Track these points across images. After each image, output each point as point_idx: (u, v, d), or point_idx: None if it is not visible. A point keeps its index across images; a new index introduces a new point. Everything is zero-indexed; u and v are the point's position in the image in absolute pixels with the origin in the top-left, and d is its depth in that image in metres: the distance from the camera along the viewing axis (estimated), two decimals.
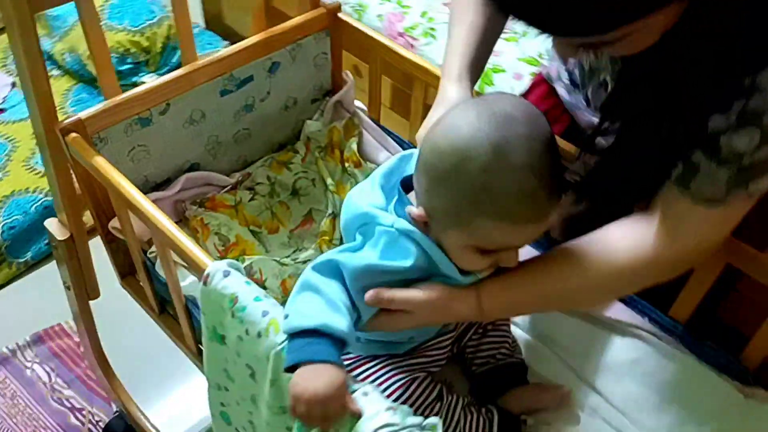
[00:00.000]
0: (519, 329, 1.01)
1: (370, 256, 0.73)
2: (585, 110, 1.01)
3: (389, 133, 1.24)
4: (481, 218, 0.69)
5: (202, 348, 1.04)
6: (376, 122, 1.25)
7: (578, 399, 0.94)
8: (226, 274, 0.75)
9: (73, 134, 0.93)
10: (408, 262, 0.73)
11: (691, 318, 0.97)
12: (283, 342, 0.69)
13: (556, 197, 0.71)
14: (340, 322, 0.69)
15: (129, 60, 2.15)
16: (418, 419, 0.67)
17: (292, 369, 0.68)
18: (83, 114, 0.95)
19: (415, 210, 0.74)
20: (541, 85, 1.11)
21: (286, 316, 0.70)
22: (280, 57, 1.13)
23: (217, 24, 2.29)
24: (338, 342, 0.68)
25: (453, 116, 0.72)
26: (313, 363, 0.67)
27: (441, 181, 0.70)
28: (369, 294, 0.73)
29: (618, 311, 1.00)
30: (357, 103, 1.28)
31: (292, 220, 1.17)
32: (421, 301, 0.76)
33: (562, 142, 0.93)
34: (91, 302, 1.20)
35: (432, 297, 0.76)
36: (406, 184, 0.79)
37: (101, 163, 0.90)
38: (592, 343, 0.98)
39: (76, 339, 1.58)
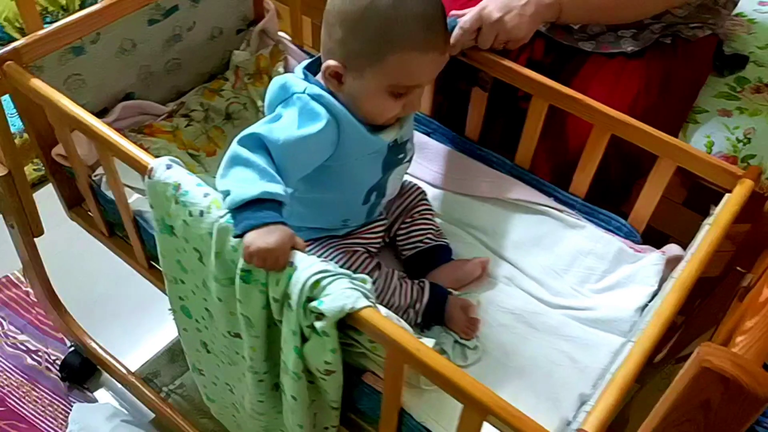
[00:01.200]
0: (441, 219, 1.12)
1: (288, 127, 0.82)
2: None
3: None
4: (394, 52, 0.81)
5: (153, 264, 1.12)
6: (300, 48, 1.33)
7: (496, 272, 1.06)
8: (169, 167, 0.82)
9: (10, 62, 0.98)
10: (321, 124, 0.82)
11: (588, 191, 1.10)
12: (225, 215, 0.77)
13: (448, 32, 0.85)
14: (276, 187, 0.77)
15: (48, 19, 2.15)
16: (349, 272, 0.77)
17: (242, 236, 0.76)
18: (18, 43, 0.99)
19: (331, 62, 0.83)
20: None
21: (227, 193, 0.77)
22: None
23: None
24: (278, 204, 0.77)
25: None
26: (263, 226, 0.75)
27: (356, 25, 0.81)
28: None
29: (525, 193, 1.12)
30: (282, 33, 1.36)
31: (228, 141, 1.22)
32: None
33: None
34: (38, 245, 1.24)
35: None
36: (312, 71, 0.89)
37: (40, 85, 0.96)
38: (505, 223, 1.11)
39: (26, 288, 1.62)
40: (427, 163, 1.19)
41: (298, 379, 0.78)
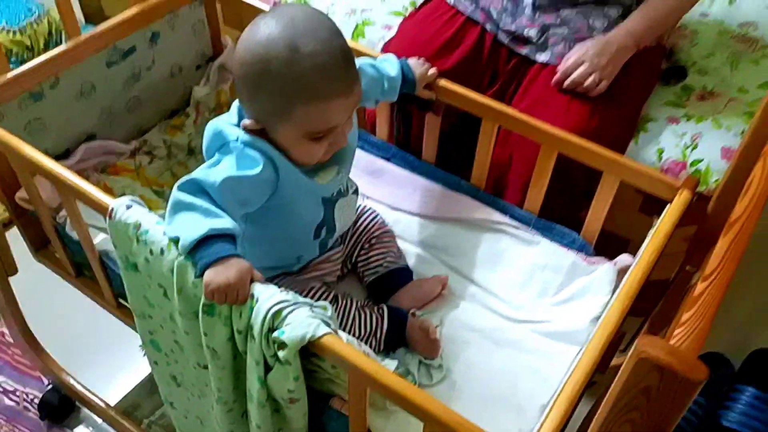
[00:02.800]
0: (403, 241, 1.15)
1: (226, 170, 0.83)
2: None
3: None
4: (299, 106, 0.82)
5: (122, 302, 1.14)
6: None
7: (458, 290, 1.09)
8: (129, 207, 0.85)
9: None
10: (257, 169, 0.84)
11: (546, 216, 1.14)
12: (181, 255, 0.79)
13: (353, 72, 0.85)
14: (223, 222, 0.79)
15: (13, 60, 2.16)
16: (309, 300, 0.80)
17: (203, 274, 0.77)
18: None
19: (247, 121, 0.85)
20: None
21: (177, 239, 0.79)
22: (159, 27, 1.23)
23: (97, 17, 2.32)
24: (230, 238, 0.79)
25: (248, 32, 0.84)
26: (218, 261, 0.77)
27: (257, 87, 0.83)
28: None
29: (482, 212, 1.16)
30: None
31: None
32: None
33: None
34: (12, 284, 1.25)
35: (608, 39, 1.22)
36: None
37: (0, 132, 0.98)
38: (464, 242, 1.14)
39: (1, 329, 1.62)
40: (386, 187, 1.22)
41: (262, 407, 0.80)
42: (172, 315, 0.88)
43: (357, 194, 1.04)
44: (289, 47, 0.80)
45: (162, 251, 0.81)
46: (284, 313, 0.75)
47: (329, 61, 0.81)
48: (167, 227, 0.81)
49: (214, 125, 0.88)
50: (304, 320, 0.74)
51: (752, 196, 0.69)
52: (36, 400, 1.46)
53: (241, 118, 0.89)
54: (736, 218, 0.66)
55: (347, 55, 0.84)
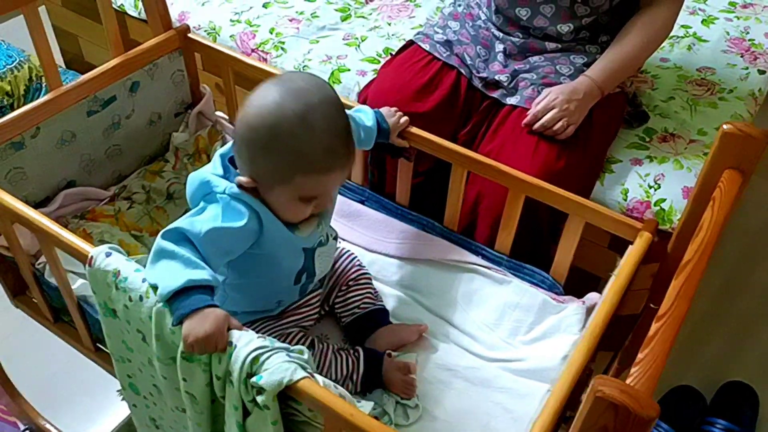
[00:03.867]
0: (379, 282, 1.18)
1: (211, 220, 0.86)
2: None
3: None
4: (299, 175, 0.86)
5: (100, 347, 1.14)
6: None
7: (432, 330, 1.12)
8: (108, 255, 0.87)
9: None
10: (242, 222, 0.87)
11: (515, 253, 1.18)
12: (160, 302, 0.81)
13: (352, 146, 0.90)
14: (201, 273, 0.81)
15: None
16: (286, 345, 0.82)
17: (180, 324, 0.80)
18: None
19: (242, 178, 0.88)
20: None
21: (155, 286, 0.81)
22: (139, 77, 1.26)
23: (77, 63, 2.35)
24: (207, 289, 0.81)
25: (258, 97, 0.87)
26: (195, 312, 0.79)
27: (262, 152, 0.86)
28: None
29: (455, 253, 1.19)
30: (219, 113, 1.43)
31: (170, 221, 1.27)
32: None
33: None
34: None
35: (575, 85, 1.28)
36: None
37: None
38: (438, 282, 1.17)
39: None
40: (362, 230, 1.25)
41: None
42: (150, 359, 0.89)
43: (336, 239, 1.07)
44: (300, 121, 0.84)
45: (141, 298, 0.83)
46: (262, 358, 0.77)
47: (334, 141, 0.86)
48: (148, 273, 0.83)
49: (200, 175, 0.91)
50: (282, 365, 0.76)
51: (702, 240, 0.73)
52: None
53: (225, 169, 0.91)
54: (687, 260, 0.70)
55: (348, 131, 0.89)
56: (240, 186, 0.88)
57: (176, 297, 0.80)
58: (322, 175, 0.87)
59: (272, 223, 0.90)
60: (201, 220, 0.85)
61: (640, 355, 0.59)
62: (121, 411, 1.50)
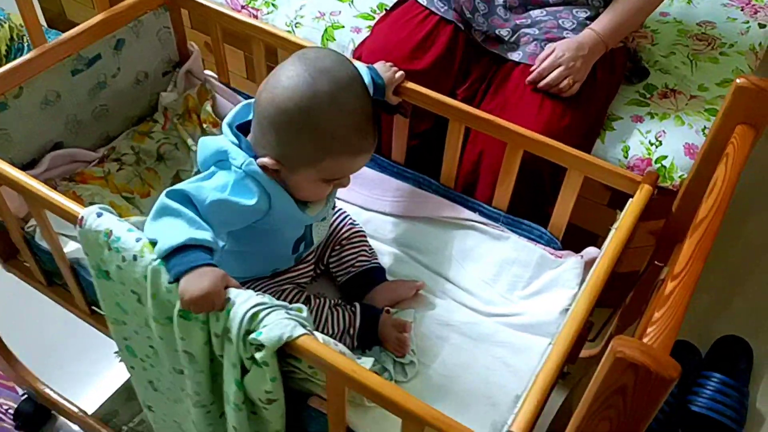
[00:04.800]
0: (376, 241, 1.17)
1: (218, 190, 0.84)
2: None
3: (240, 93, 1.36)
4: (329, 158, 0.86)
5: (95, 309, 1.13)
6: (227, 85, 1.37)
7: (430, 286, 1.11)
8: (99, 215, 0.84)
9: None
10: (251, 201, 0.85)
11: (515, 210, 1.17)
12: (157, 259, 0.80)
13: (378, 127, 0.90)
14: (204, 234, 0.80)
15: None
16: (285, 303, 0.81)
17: (177, 281, 0.78)
18: None
19: (267, 160, 0.86)
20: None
21: (154, 241, 0.80)
22: (124, 34, 1.22)
23: (60, 22, 2.28)
24: (207, 249, 0.80)
25: (287, 78, 0.84)
26: (192, 269, 0.77)
27: (294, 136, 0.85)
28: None
29: (452, 210, 1.18)
30: (208, 72, 1.39)
31: (161, 182, 1.26)
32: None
33: None
34: None
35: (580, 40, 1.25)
36: (245, 129, 0.92)
37: None
38: (435, 239, 1.16)
39: None
40: (357, 188, 1.23)
41: (239, 410, 0.81)
42: (146, 320, 0.88)
43: (333, 209, 1.06)
44: (334, 103, 0.83)
45: (135, 258, 0.81)
46: (261, 315, 0.76)
47: (365, 121, 0.86)
48: (147, 228, 0.82)
49: (217, 142, 0.88)
50: (281, 321, 0.75)
51: (716, 198, 0.72)
52: (11, 411, 1.45)
53: (237, 138, 0.89)
54: (701, 219, 0.69)
55: (374, 111, 0.88)
56: (264, 168, 0.86)
57: (175, 254, 0.78)
58: (351, 156, 0.87)
59: (282, 204, 0.89)
60: (209, 188, 0.84)
61: (656, 314, 0.58)
62: (120, 373, 1.50)
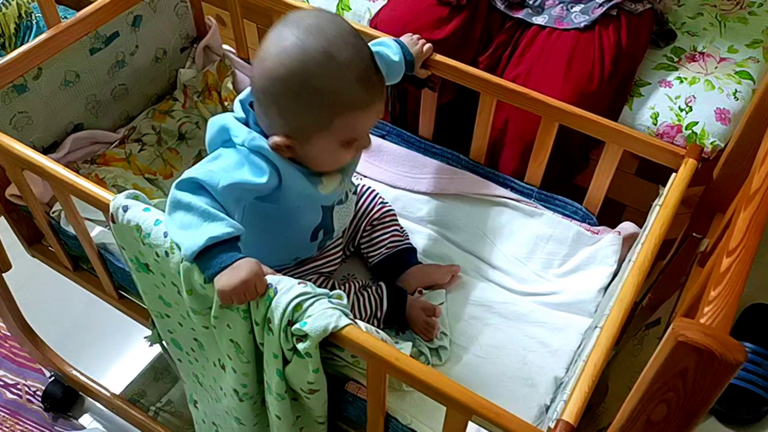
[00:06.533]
0: (405, 219, 1.14)
1: (229, 170, 0.80)
2: None
3: None
4: (338, 117, 0.81)
5: (122, 293, 1.12)
6: (246, 60, 1.33)
7: (464, 267, 1.09)
8: (126, 209, 0.81)
9: None
10: (263, 179, 0.81)
11: (543, 180, 1.14)
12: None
13: (382, 74, 0.84)
14: (220, 227, 0.75)
15: None
16: (326, 291, 0.78)
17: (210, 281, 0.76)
18: None
19: (277, 138, 0.82)
20: None
21: (179, 246, 0.77)
22: (141, 10, 1.18)
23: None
24: (231, 241, 0.76)
25: (273, 45, 0.80)
26: (224, 269, 0.74)
27: (293, 103, 0.80)
28: None
29: (483, 186, 1.15)
30: (226, 47, 1.35)
31: (183, 163, 1.24)
32: None
33: None
34: (5, 277, 1.22)
35: None
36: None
37: None
38: (466, 217, 1.14)
39: None
40: (384, 165, 1.21)
41: (281, 399, 0.80)
42: (188, 312, 0.86)
43: (356, 194, 1.03)
44: (327, 58, 0.78)
45: (167, 254, 0.79)
46: (305, 305, 0.74)
47: (366, 70, 0.81)
48: (168, 227, 0.79)
49: (220, 120, 0.85)
50: (326, 311, 0.73)
51: None
52: (39, 392, 1.45)
53: (246, 113, 0.85)
54: (755, 190, 0.66)
55: (373, 57, 0.83)
56: (277, 148, 0.82)
57: (201, 256, 0.76)
58: (360, 111, 0.82)
59: (292, 179, 0.85)
60: (219, 171, 0.80)
61: (713, 293, 0.56)
62: (145, 352, 1.49)
